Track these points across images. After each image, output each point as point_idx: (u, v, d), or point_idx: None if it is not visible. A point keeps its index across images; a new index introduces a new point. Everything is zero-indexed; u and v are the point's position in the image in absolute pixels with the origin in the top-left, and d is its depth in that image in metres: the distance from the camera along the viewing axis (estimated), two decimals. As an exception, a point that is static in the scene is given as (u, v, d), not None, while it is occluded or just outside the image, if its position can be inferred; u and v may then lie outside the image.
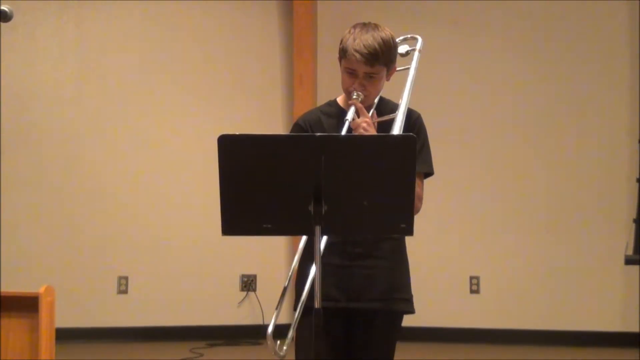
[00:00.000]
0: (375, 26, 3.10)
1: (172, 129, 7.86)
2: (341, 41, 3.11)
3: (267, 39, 8.05)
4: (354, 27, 3.12)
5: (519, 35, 7.80)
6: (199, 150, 7.66)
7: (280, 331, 2.93)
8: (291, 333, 2.95)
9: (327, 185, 2.59)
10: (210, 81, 7.97)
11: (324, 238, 2.94)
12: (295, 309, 3.07)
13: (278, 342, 2.89)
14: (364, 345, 3.14)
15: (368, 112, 3.09)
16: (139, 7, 7.86)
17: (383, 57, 3.05)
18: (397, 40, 3.29)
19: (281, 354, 2.91)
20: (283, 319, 2.95)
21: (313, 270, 2.93)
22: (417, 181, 3.09)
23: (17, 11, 3.20)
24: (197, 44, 7.97)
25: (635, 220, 5.58)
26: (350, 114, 3.02)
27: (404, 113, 3.11)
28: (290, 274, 3.03)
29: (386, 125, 3.10)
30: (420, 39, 3.38)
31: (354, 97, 3.07)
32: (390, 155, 2.63)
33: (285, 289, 2.96)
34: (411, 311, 3.21)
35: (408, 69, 3.31)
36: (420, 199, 3.11)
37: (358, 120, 3.01)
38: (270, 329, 2.87)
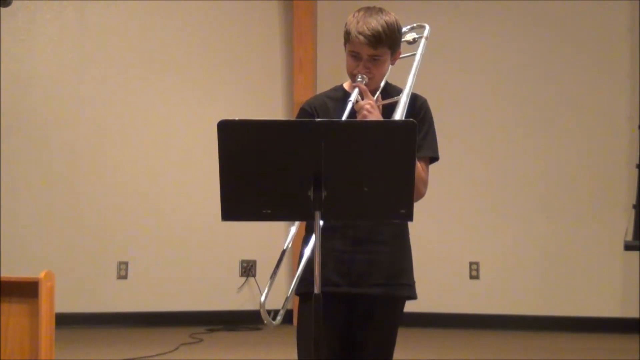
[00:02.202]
0: (380, 9, 3.10)
1: (171, 115, 7.86)
2: (345, 25, 3.10)
3: (267, 25, 8.04)
4: (358, 10, 3.11)
5: (519, 24, 7.79)
6: (198, 135, 7.66)
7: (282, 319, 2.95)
8: (285, 303, 2.95)
9: (327, 171, 2.59)
10: (210, 66, 7.96)
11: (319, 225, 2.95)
12: (295, 292, 3.08)
13: (272, 312, 2.90)
14: (365, 330, 3.14)
15: (373, 95, 3.08)
16: (139, -8, 7.86)
17: (387, 39, 3.05)
18: (405, 28, 3.29)
19: (274, 322, 2.92)
20: (279, 305, 2.96)
21: (307, 253, 2.94)
22: (423, 166, 3.10)
23: (16, -4, 3.19)
24: (197, 29, 7.96)
25: (635, 206, 5.57)
26: (353, 96, 3.01)
27: (407, 96, 3.11)
28: (287, 243, 3.02)
29: (390, 109, 3.09)
30: (427, 27, 3.36)
31: (358, 79, 3.06)
32: (390, 141, 2.62)
33: (283, 252, 2.97)
34: (413, 297, 3.20)
35: (414, 55, 3.30)
36: (426, 184, 3.12)
37: (361, 103, 3.00)
38: (263, 298, 2.88)
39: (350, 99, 3.01)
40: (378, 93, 3.13)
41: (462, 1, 7.82)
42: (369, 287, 3.11)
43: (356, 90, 3.03)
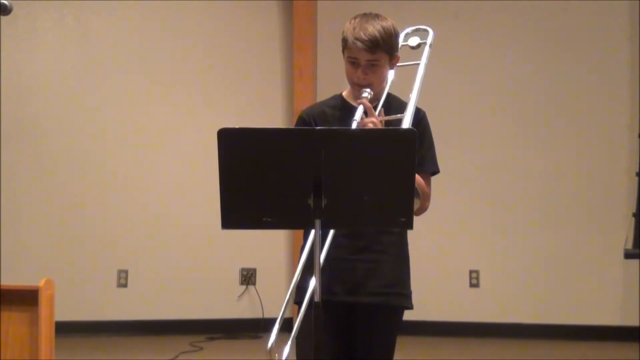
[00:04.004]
0: (376, 15, 3.11)
1: (171, 123, 7.85)
2: (343, 32, 3.12)
3: (267, 33, 8.04)
4: (355, 17, 3.13)
5: (519, 30, 7.79)
6: (198, 143, 7.66)
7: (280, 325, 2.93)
8: (293, 334, 2.89)
9: (327, 179, 2.59)
10: (210, 74, 7.96)
11: (330, 234, 2.95)
12: (294, 301, 3.06)
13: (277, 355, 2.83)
14: (364, 339, 3.15)
15: (375, 107, 3.08)
16: (139, 1, 7.85)
17: (384, 44, 3.06)
18: (408, 29, 3.29)
19: None
20: (279, 313, 2.94)
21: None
22: (426, 180, 3.11)
23: (17, 4, 3.19)
24: (197, 37, 7.96)
25: (634, 214, 5.58)
26: (358, 114, 3.01)
27: (412, 111, 3.09)
28: (291, 287, 2.96)
29: (394, 124, 3.09)
30: (431, 32, 3.35)
31: (364, 95, 3.06)
32: (390, 149, 2.62)
33: (293, 287, 2.92)
34: (409, 306, 3.21)
35: (418, 64, 3.29)
36: (428, 198, 3.12)
37: (366, 120, 3.00)
38: (270, 343, 2.79)
39: (355, 117, 3.00)
40: (380, 107, 3.13)
41: (462, 11, 7.82)
42: (365, 296, 3.12)
43: (361, 107, 3.02)
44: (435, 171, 3.21)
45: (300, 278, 3.05)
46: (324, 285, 2.69)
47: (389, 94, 3.21)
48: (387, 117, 3.11)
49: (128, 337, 7.53)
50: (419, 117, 3.17)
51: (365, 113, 3.02)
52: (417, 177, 3.04)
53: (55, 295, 3.83)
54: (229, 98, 7.95)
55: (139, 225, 7.73)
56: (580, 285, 7.57)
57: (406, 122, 3.05)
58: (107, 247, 7.66)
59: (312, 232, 2.95)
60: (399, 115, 3.11)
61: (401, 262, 3.20)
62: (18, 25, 7.48)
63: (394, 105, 3.19)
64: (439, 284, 7.60)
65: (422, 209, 3.10)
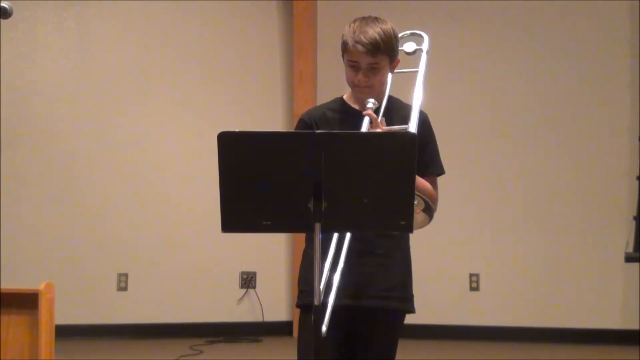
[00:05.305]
0: (375, 19, 3.11)
1: (171, 126, 7.86)
2: (342, 36, 3.11)
3: (267, 37, 8.05)
4: (354, 21, 3.12)
5: (519, 32, 7.80)
6: (198, 147, 7.66)
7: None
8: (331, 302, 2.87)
9: (327, 182, 2.58)
10: (210, 78, 7.96)
11: (347, 237, 2.94)
12: (296, 305, 3.05)
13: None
14: (365, 343, 3.14)
15: (377, 113, 3.07)
16: (139, 3, 7.86)
17: (384, 47, 3.05)
18: (402, 35, 3.29)
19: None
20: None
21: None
22: (433, 183, 3.11)
23: (17, 8, 3.19)
24: (197, 41, 7.97)
25: (635, 218, 5.57)
26: (364, 126, 3.00)
27: (416, 122, 3.08)
28: (322, 283, 2.94)
29: None
30: (426, 38, 3.34)
31: (368, 106, 3.06)
32: (390, 152, 2.61)
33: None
34: (411, 310, 3.20)
35: (416, 71, 3.28)
36: (436, 201, 3.12)
37: (371, 132, 3.00)
38: (324, 329, 2.76)
39: (362, 130, 2.99)
40: (381, 115, 3.11)
41: (460, 14, 7.83)
42: (367, 300, 3.11)
43: (366, 119, 3.01)
44: (441, 172, 3.21)
45: (305, 281, 3.06)
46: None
47: (389, 97, 3.20)
48: (392, 127, 3.10)
49: (128, 340, 7.53)
50: (422, 119, 3.16)
51: (371, 123, 3.02)
52: (427, 185, 3.04)
53: (56, 299, 3.83)
54: (229, 101, 7.96)
55: (139, 228, 7.73)
56: (581, 288, 7.56)
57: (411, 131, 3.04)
58: (107, 250, 7.67)
59: (335, 235, 2.96)
60: (403, 126, 3.10)
61: (403, 266, 3.19)
62: (18, 29, 7.49)
63: (396, 108, 3.18)
64: (440, 288, 7.60)
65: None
